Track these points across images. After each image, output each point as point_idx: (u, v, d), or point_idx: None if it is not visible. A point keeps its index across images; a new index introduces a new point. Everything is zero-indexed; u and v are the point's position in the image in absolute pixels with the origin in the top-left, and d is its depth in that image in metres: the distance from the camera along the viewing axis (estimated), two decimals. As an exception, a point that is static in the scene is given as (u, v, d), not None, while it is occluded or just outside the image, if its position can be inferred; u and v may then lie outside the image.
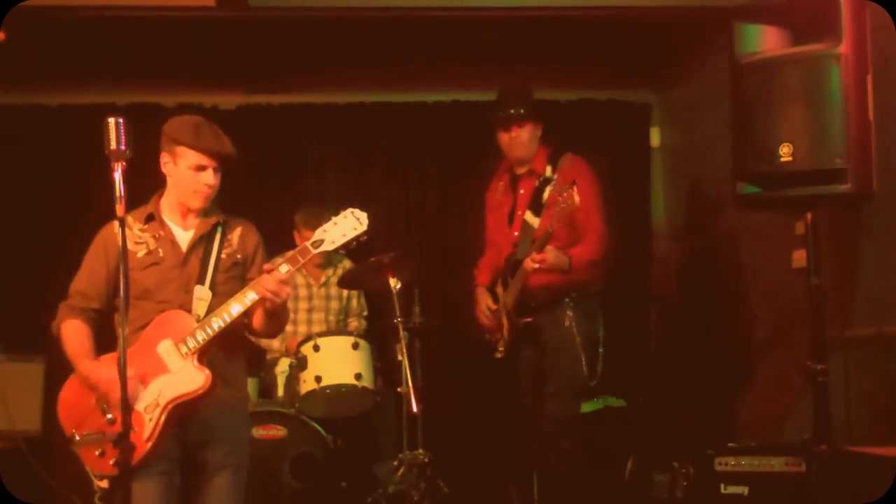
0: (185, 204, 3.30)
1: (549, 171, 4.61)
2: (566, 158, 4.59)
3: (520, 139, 4.62)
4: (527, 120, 4.60)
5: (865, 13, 3.49)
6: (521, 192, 4.69)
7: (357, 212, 3.14)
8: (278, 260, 3.21)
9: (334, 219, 3.14)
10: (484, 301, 4.81)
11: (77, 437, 3.14)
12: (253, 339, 5.09)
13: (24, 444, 4.82)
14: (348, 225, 3.12)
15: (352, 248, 3.18)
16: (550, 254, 4.30)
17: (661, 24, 5.33)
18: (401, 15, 5.08)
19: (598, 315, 4.60)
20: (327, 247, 3.11)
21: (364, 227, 3.12)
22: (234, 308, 3.13)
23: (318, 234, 3.13)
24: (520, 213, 4.66)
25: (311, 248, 3.11)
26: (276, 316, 3.26)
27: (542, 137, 4.69)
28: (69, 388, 3.25)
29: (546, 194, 4.54)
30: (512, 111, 4.61)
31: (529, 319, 4.55)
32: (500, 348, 4.69)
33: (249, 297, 3.14)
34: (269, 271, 3.12)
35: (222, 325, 3.13)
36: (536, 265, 4.29)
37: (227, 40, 5.46)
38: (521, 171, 4.71)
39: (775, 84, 3.52)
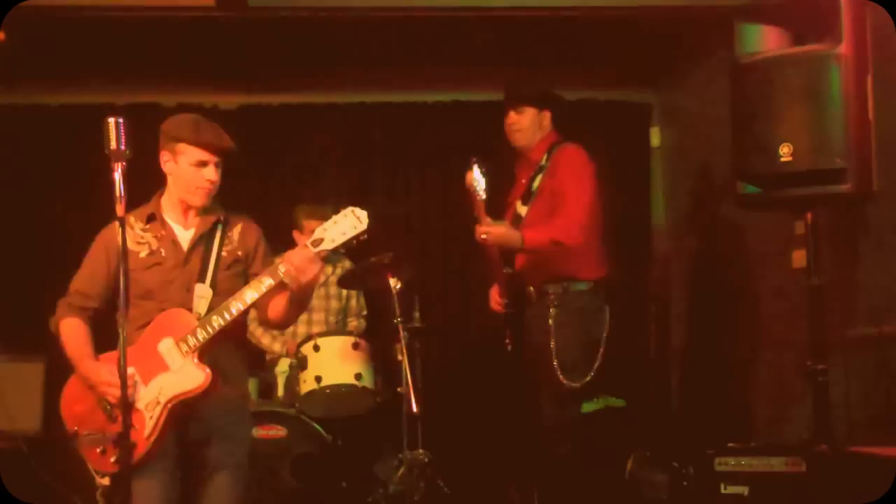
0: (186, 202, 3.29)
1: (544, 159, 4.44)
2: (562, 146, 4.43)
3: (518, 125, 4.46)
4: (525, 105, 4.44)
5: (865, 13, 3.49)
6: (522, 181, 4.53)
7: (357, 210, 3.11)
8: (277, 260, 3.21)
9: (334, 217, 3.10)
10: (494, 290, 4.59)
11: (79, 435, 3.15)
12: (254, 341, 5.13)
13: (24, 444, 4.82)
14: (348, 223, 3.09)
15: (351, 247, 3.16)
16: (498, 227, 4.11)
17: (661, 24, 5.33)
18: (401, 15, 5.08)
19: (592, 312, 4.32)
20: (327, 245, 3.08)
21: (364, 226, 3.09)
22: (235, 306, 3.13)
23: (317, 232, 3.10)
24: (513, 202, 4.52)
25: (310, 246, 3.09)
26: (299, 303, 3.22)
27: (555, 126, 4.51)
28: (72, 386, 3.25)
29: (536, 183, 4.41)
30: (509, 97, 4.49)
31: (512, 310, 4.35)
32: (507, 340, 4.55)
33: (249, 295, 3.13)
34: (304, 246, 3.09)
35: (223, 323, 3.12)
36: (483, 236, 4.11)
37: (226, 40, 5.46)
38: (523, 160, 4.55)
39: (775, 84, 3.52)
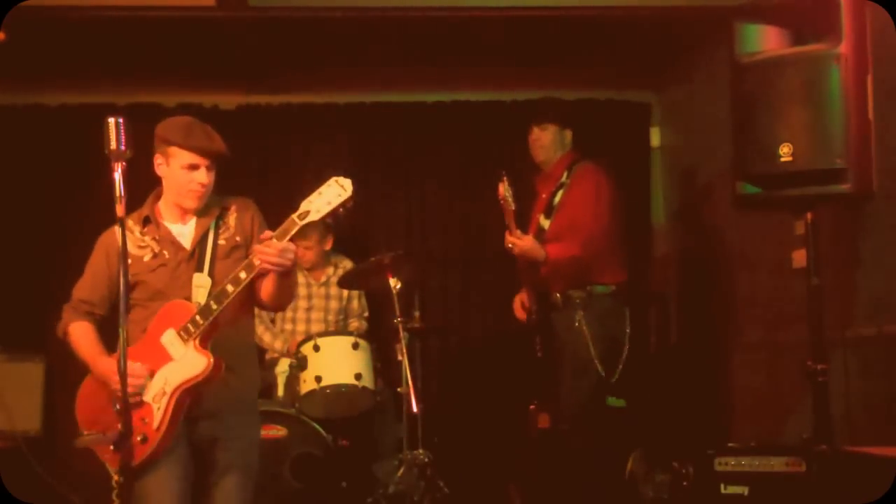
0: (181, 205, 3.30)
1: (565, 176, 4.74)
2: (581, 164, 4.73)
3: (540, 141, 4.77)
4: (548, 122, 4.75)
5: (865, 13, 3.48)
6: (543, 196, 4.79)
7: (341, 179, 3.06)
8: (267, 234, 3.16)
9: (319, 189, 3.07)
10: (519, 298, 4.88)
11: (81, 435, 3.16)
12: (258, 336, 5.13)
13: (24, 444, 4.81)
14: (332, 192, 3.04)
15: (339, 217, 3.10)
16: (524, 240, 4.45)
17: (661, 24, 5.32)
18: (401, 15, 5.08)
19: (614, 314, 4.64)
20: (313, 217, 3.04)
21: (349, 193, 3.03)
22: (229, 288, 3.10)
23: (303, 205, 3.06)
24: (536, 216, 4.79)
25: (297, 219, 3.05)
26: (284, 282, 3.20)
27: (574, 145, 4.82)
28: (86, 389, 3.27)
29: (557, 198, 4.70)
30: (535, 113, 4.83)
31: (539, 316, 4.66)
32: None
33: (242, 276, 3.10)
34: (269, 238, 3.05)
35: (219, 306, 3.10)
36: (510, 245, 4.47)
37: (227, 40, 5.45)
38: (543, 175, 4.84)
39: (775, 84, 3.51)
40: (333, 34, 5.46)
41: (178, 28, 5.22)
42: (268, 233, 3.10)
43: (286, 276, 3.19)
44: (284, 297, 3.34)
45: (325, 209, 3.04)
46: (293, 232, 3.07)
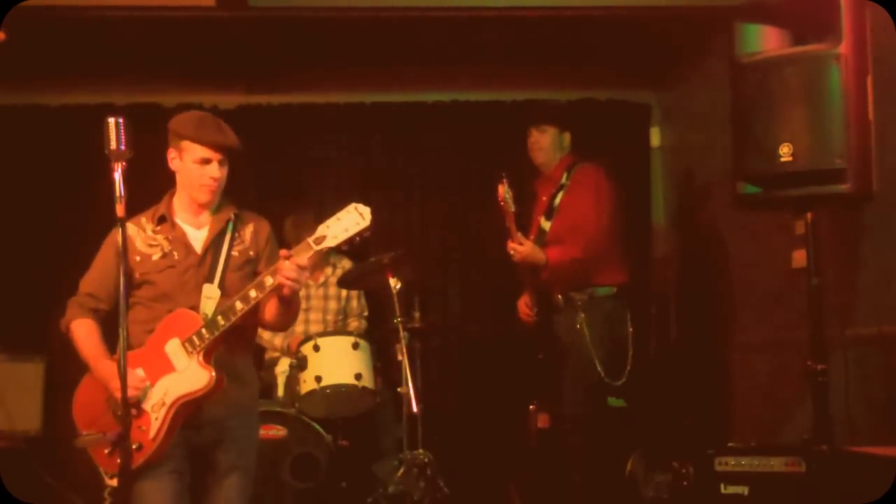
0: (194, 200, 3.29)
1: (564, 177, 4.76)
2: (581, 166, 4.75)
3: (539, 144, 4.78)
4: (547, 125, 4.77)
5: (865, 13, 3.48)
6: (543, 199, 4.81)
7: (360, 206, 3.06)
8: (271, 267, 3.18)
9: (337, 214, 3.06)
10: (523, 300, 4.88)
11: (80, 436, 3.15)
12: (258, 335, 5.12)
13: (24, 444, 4.82)
14: (351, 220, 3.04)
15: (354, 244, 3.11)
16: (525, 246, 4.48)
17: (661, 24, 5.33)
18: (401, 15, 5.08)
19: (616, 315, 4.66)
20: (329, 243, 3.04)
21: (367, 223, 3.03)
22: (239, 305, 3.11)
23: (320, 229, 3.06)
24: (536, 218, 4.81)
25: (312, 244, 3.05)
26: (291, 305, 3.22)
27: (573, 147, 4.83)
28: (84, 388, 3.26)
29: (558, 200, 4.72)
30: (534, 116, 4.83)
31: (540, 318, 4.69)
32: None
33: (253, 294, 3.11)
34: (287, 257, 3.06)
35: (227, 323, 3.10)
36: (511, 252, 4.51)
37: (227, 40, 5.46)
38: (543, 178, 4.86)
39: (775, 84, 3.51)
40: (334, 34, 5.47)
41: (178, 28, 5.23)
42: (284, 251, 3.10)
43: (291, 302, 3.20)
44: (288, 319, 3.35)
45: (342, 236, 3.03)
46: (308, 255, 3.06)
